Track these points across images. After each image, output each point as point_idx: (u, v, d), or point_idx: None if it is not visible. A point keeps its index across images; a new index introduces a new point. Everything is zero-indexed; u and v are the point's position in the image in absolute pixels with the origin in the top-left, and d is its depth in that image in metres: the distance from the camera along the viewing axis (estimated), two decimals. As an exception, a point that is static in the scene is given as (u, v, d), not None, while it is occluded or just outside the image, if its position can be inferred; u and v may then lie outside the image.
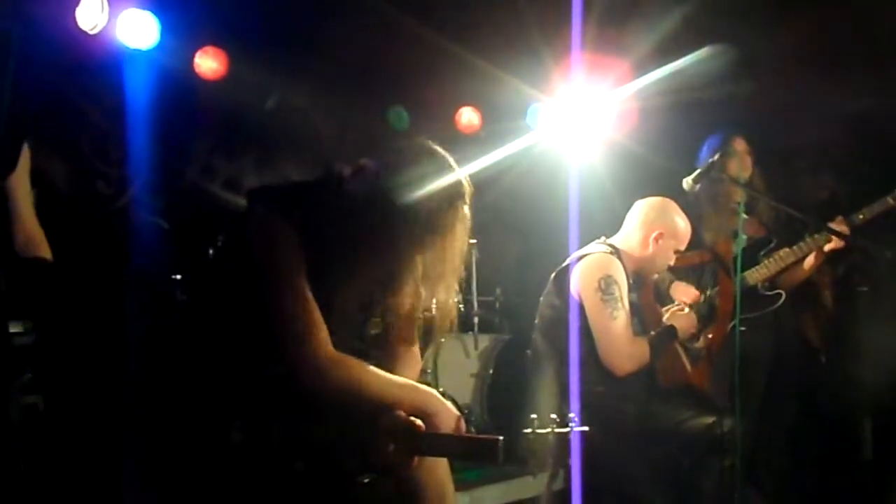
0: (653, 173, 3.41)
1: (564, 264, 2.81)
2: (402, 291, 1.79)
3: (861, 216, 2.99)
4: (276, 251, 1.64)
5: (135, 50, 3.35)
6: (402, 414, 1.64)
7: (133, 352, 2.91)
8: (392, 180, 1.67)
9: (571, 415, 1.69)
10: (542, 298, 2.89)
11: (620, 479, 2.55)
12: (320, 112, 3.99)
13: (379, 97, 4.14)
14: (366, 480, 1.69)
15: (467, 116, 4.38)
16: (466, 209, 1.74)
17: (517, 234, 4.05)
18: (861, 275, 2.25)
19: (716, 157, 2.88)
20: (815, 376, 3.44)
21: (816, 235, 3.07)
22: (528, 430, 1.65)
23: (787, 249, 3.13)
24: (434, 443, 1.65)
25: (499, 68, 3.77)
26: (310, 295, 1.63)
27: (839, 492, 2.81)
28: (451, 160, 1.74)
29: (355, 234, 1.66)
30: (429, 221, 1.67)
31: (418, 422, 1.63)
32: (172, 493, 1.80)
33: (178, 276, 3.29)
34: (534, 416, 1.65)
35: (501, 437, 1.53)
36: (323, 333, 1.62)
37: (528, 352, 2.93)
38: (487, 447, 1.56)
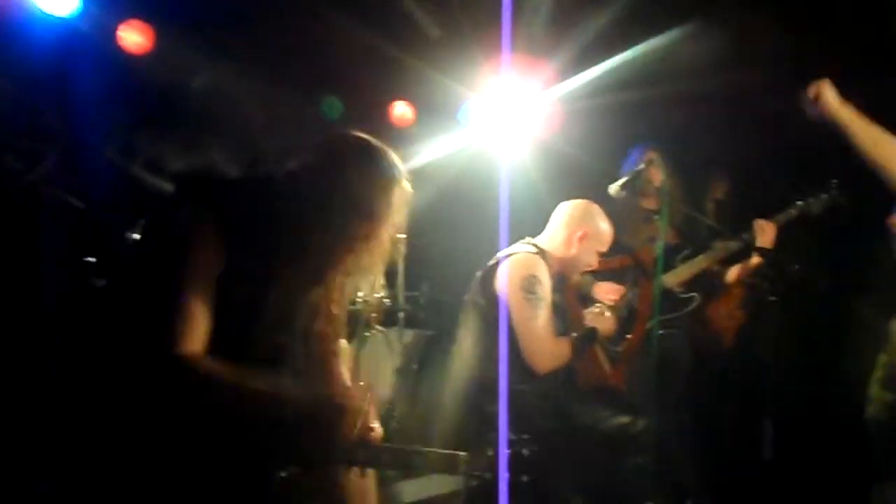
0: (579, 174, 3.49)
1: (491, 263, 2.84)
2: (332, 285, 1.77)
3: (768, 222, 3.16)
4: (191, 245, 1.59)
5: (53, 17, 3.18)
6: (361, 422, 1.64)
7: (41, 336, 2.77)
8: (324, 171, 1.65)
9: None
10: (467, 296, 2.92)
11: (540, 476, 2.59)
12: (250, 96, 3.88)
13: (312, 86, 4.07)
14: (283, 475, 1.67)
15: (401, 110, 4.36)
16: (402, 196, 1.72)
17: (445, 230, 4.06)
18: (770, 284, 2.37)
19: (640, 166, 3.01)
20: (724, 379, 3.61)
21: (727, 242, 3.24)
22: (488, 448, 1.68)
23: (700, 256, 3.31)
24: (396, 456, 1.70)
25: (431, 65, 3.78)
26: (202, 296, 1.57)
27: (741, 490, 2.95)
28: (385, 148, 1.72)
29: (286, 228, 1.63)
30: (362, 210, 1.65)
31: (377, 430, 1.63)
32: (82, 487, 1.73)
33: (93, 259, 3.15)
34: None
35: (464, 454, 1.57)
36: (193, 334, 1.56)
37: (453, 348, 2.94)
38: (450, 462, 1.60)
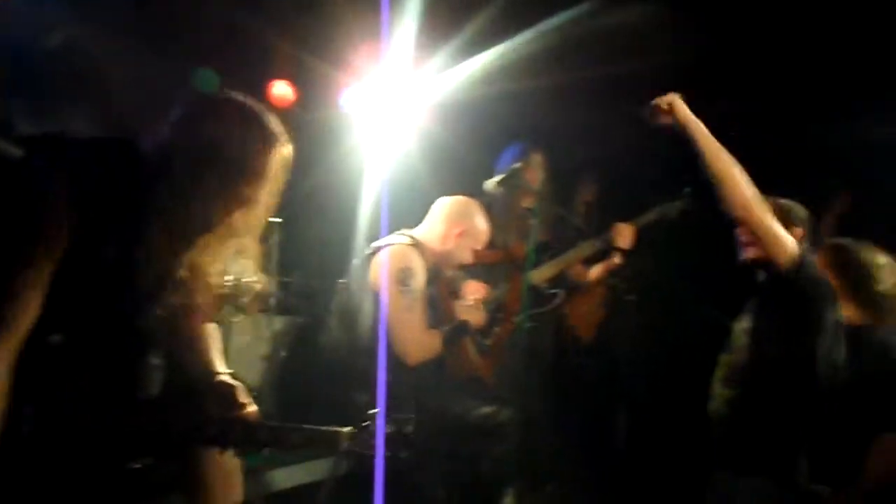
0: (458, 165, 3.52)
1: (366, 253, 2.82)
2: (201, 262, 1.66)
3: (628, 225, 3.34)
4: (37, 215, 1.45)
5: None
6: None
7: None
8: (198, 129, 1.55)
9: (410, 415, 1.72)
10: (340, 284, 2.89)
11: (408, 466, 2.62)
12: (113, 60, 3.61)
13: (185, 55, 3.85)
14: (136, 466, 1.58)
15: (281, 90, 4.21)
16: (280, 158, 1.63)
17: (323, 217, 3.99)
18: (628, 284, 2.51)
19: (518, 164, 3.07)
20: (583, 372, 3.78)
21: (590, 242, 3.40)
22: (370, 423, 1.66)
23: (566, 254, 3.44)
24: (274, 434, 1.62)
25: (314, 48, 3.69)
26: (36, 277, 1.43)
27: (597, 476, 3.13)
28: (262, 108, 1.63)
29: (155, 191, 1.52)
30: (239, 170, 1.55)
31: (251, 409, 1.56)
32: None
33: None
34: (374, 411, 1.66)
35: (346, 429, 1.53)
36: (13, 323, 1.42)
37: (324, 338, 2.91)
38: (331, 438, 1.56)
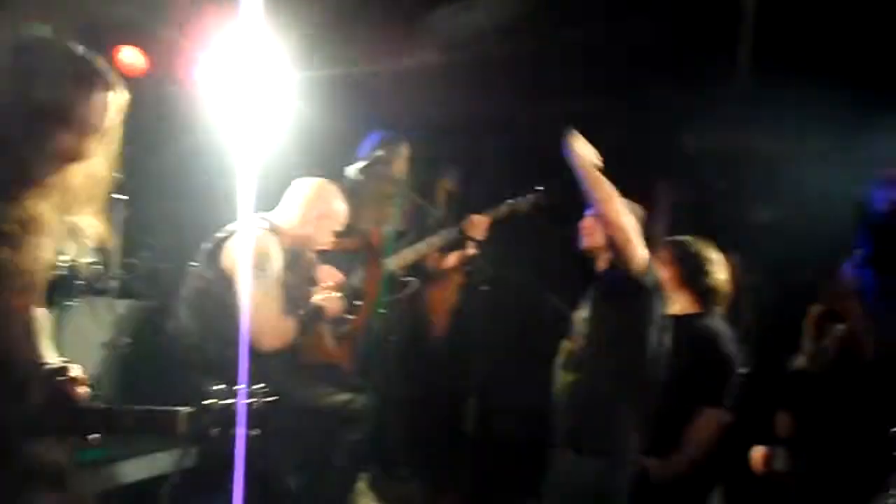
0: (320, 146, 3.46)
1: (220, 235, 2.72)
2: (25, 236, 1.47)
3: (482, 217, 3.44)
4: None
5: None
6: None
7: None
8: (9, 71, 1.40)
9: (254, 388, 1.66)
10: (191, 268, 2.77)
11: (252, 454, 2.56)
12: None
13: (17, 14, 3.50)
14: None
15: (130, 57, 3.91)
16: (109, 104, 1.49)
17: (173, 196, 3.78)
18: (482, 274, 2.60)
19: (381, 152, 3.06)
20: (436, 359, 3.87)
21: (446, 232, 3.46)
22: (212, 402, 1.56)
23: (422, 242, 3.47)
24: (103, 417, 1.50)
25: (165, 18, 3.48)
26: None
27: (448, 459, 3.21)
28: (85, 49, 1.49)
29: None
30: (59, 116, 1.40)
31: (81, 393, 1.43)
32: None
33: None
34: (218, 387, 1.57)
35: (183, 409, 1.43)
36: None
37: (171, 323, 2.78)
38: (168, 419, 1.45)
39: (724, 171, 4.43)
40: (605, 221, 2.43)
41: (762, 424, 2.99)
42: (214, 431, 1.63)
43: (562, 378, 2.59)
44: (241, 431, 1.76)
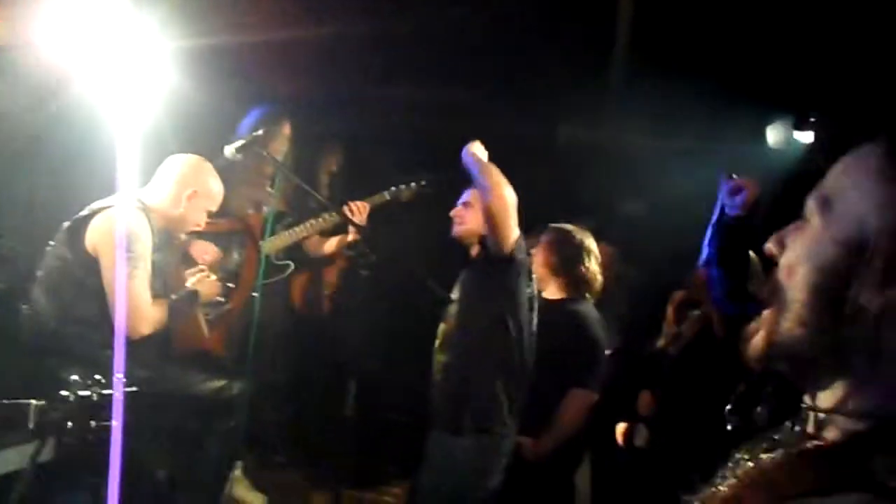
0: (193, 122, 3.29)
1: (82, 214, 2.54)
2: None
3: (363, 203, 3.42)
4: None
5: None
6: None
7: None
8: None
9: (119, 376, 1.56)
10: (48, 248, 2.57)
11: (128, 444, 2.44)
12: None
13: None
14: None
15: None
16: None
17: (32, 173, 3.48)
18: (364, 259, 2.58)
19: (260, 132, 2.95)
20: (316, 342, 3.82)
21: (327, 215, 3.41)
22: (67, 394, 1.45)
23: (301, 225, 3.41)
24: None
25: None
26: None
27: (326, 443, 3.19)
28: None
29: None
30: None
31: None
32: None
33: None
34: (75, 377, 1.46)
35: (35, 402, 1.32)
36: None
37: (24, 307, 2.57)
38: (16, 411, 1.34)
39: (593, 165, 4.64)
40: (487, 203, 2.48)
41: (627, 403, 3.19)
42: (70, 424, 1.54)
43: (438, 359, 2.62)
44: (102, 424, 1.67)
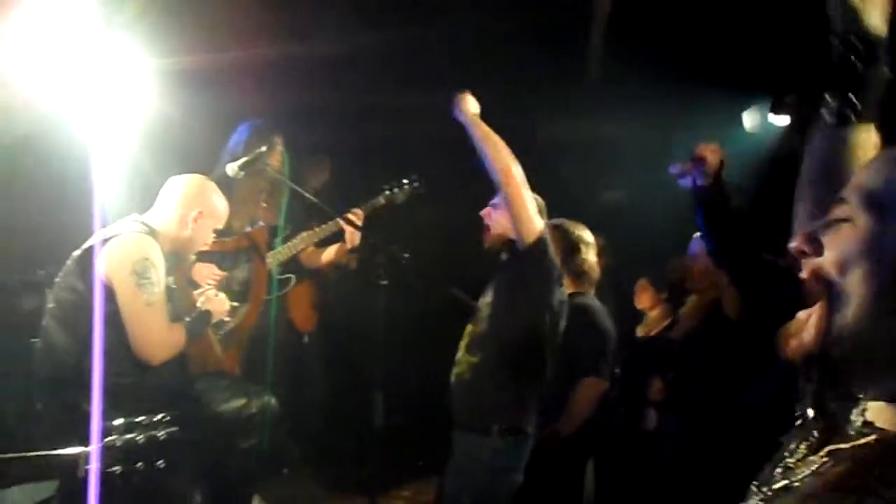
0: (188, 146, 3.26)
1: (89, 243, 2.49)
2: None
3: (359, 210, 3.40)
4: None
5: None
6: None
7: None
8: None
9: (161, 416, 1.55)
10: (58, 280, 2.52)
11: (152, 468, 2.42)
12: None
13: None
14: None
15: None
16: None
17: (34, 200, 3.38)
18: (384, 271, 2.57)
19: (263, 148, 2.92)
20: (336, 353, 3.80)
21: (322, 225, 3.38)
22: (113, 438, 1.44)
23: (299, 237, 3.37)
24: None
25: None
26: None
27: (355, 455, 3.20)
28: None
29: None
30: None
31: None
32: None
33: None
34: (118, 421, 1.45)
35: (82, 450, 1.32)
36: None
37: (37, 341, 2.52)
38: (66, 463, 1.33)
39: (571, 159, 4.72)
40: (505, 190, 2.45)
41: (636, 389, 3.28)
42: (117, 469, 1.53)
43: (464, 359, 2.64)
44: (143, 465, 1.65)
